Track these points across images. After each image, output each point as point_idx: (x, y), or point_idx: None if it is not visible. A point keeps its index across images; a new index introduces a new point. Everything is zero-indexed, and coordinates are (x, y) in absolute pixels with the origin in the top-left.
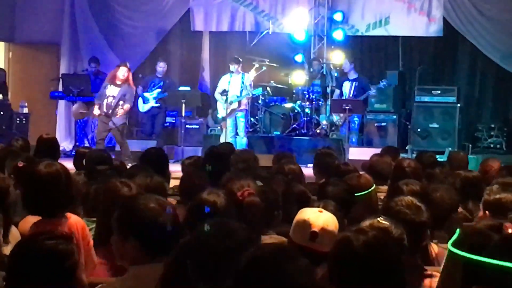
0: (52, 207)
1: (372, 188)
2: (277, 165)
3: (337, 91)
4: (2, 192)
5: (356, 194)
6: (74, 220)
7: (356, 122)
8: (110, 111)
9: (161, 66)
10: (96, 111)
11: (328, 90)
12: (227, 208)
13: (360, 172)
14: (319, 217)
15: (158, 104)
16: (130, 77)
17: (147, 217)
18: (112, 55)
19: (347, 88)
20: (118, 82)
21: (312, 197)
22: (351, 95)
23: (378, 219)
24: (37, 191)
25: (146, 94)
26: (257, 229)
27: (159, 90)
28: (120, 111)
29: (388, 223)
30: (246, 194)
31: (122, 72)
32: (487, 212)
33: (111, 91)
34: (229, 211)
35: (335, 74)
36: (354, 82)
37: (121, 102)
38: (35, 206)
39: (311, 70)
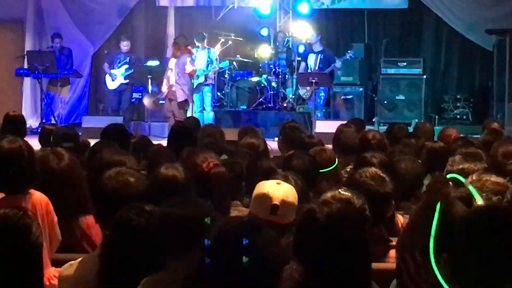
0: (15, 183)
1: (335, 164)
2: (243, 139)
3: (303, 64)
4: None
5: (323, 170)
6: (38, 197)
7: (322, 97)
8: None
9: (124, 45)
10: (163, 87)
11: (294, 63)
12: (187, 182)
13: (327, 146)
14: (278, 189)
15: (126, 81)
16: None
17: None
18: (76, 31)
19: (312, 60)
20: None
21: (278, 170)
22: (316, 68)
23: (340, 190)
24: None
25: (113, 71)
26: (224, 200)
27: (126, 66)
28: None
29: (349, 194)
30: (211, 165)
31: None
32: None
33: (171, 63)
34: (189, 184)
35: (303, 48)
36: (320, 55)
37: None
38: None
39: (277, 43)
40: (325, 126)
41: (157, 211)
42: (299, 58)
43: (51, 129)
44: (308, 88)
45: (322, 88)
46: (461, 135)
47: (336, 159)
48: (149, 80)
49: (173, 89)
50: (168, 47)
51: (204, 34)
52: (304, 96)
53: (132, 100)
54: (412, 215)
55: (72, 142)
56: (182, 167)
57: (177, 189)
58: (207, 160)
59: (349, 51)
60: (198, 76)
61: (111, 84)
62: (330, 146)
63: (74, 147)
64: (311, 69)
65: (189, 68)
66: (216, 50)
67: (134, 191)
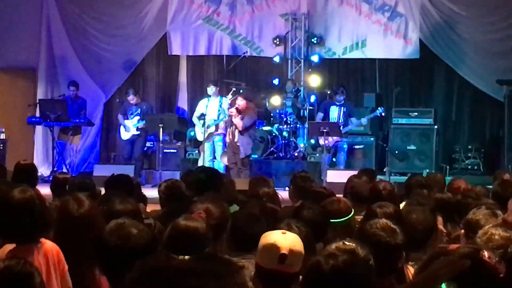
0: (26, 233)
1: (351, 214)
2: (253, 189)
3: (320, 114)
4: None
5: (334, 220)
6: (49, 246)
7: (345, 148)
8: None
9: (131, 99)
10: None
11: (306, 113)
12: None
13: (339, 196)
14: (285, 239)
15: (138, 132)
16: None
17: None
18: (88, 80)
19: (335, 112)
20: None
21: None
22: (340, 121)
23: (344, 241)
24: (10, 217)
25: (127, 123)
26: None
27: (138, 117)
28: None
29: (353, 245)
30: (196, 217)
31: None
32: (462, 231)
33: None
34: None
35: (314, 98)
36: (342, 107)
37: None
38: (8, 232)
39: (288, 93)
40: (336, 176)
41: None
42: (311, 107)
43: (63, 178)
44: (331, 139)
45: (346, 140)
46: (470, 186)
47: (352, 210)
48: (161, 129)
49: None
50: (180, 95)
51: (216, 83)
52: (327, 146)
53: (144, 149)
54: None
55: (88, 191)
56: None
57: (196, 240)
58: (197, 211)
59: (379, 108)
60: (209, 126)
61: (125, 135)
62: (340, 196)
63: (90, 196)
64: (333, 121)
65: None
66: (228, 99)
67: (137, 244)
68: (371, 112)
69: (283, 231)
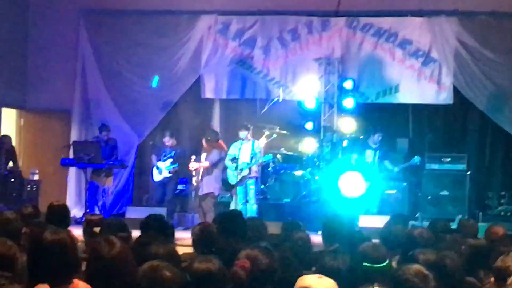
0: (58, 274)
1: (387, 261)
2: (285, 233)
3: (354, 156)
4: (8, 260)
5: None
6: (82, 287)
7: (377, 192)
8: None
9: (167, 141)
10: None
11: (338, 157)
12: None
13: (374, 241)
14: (320, 283)
15: (170, 174)
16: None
17: None
18: (122, 122)
19: (370, 156)
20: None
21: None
22: (374, 165)
23: (374, 285)
24: (43, 258)
25: (159, 164)
26: None
27: (171, 160)
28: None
29: None
30: (239, 265)
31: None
32: (492, 278)
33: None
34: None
35: (347, 142)
36: (377, 151)
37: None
38: (40, 273)
39: (321, 137)
40: (368, 221)
41: None
42: (344, 151)
43: (94, 219)
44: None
45: (378, 185)
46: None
47: (389, 257)
48: (194, 172)
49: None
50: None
51: (249, 126)
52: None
53: (176, 192)
54: None
55: (124, 232)
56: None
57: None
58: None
59: (415, 157)
60: (242, 169)
61: (157, 177)
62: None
63: (125, 237)
64: (368, 164)
65: (204, 163)
66: (261, 142)
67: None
68: (404, 157)
69: (319, 275)
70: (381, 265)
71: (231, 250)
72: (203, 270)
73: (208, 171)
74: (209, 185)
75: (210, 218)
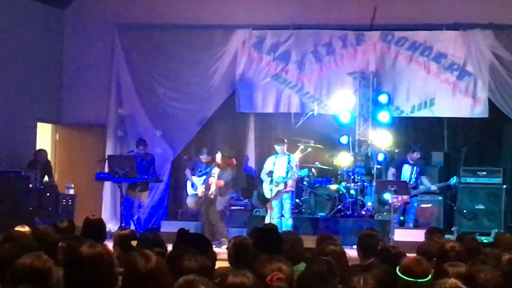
0: None
1: (429, 277)
2: (320, 247)
3: (392, 170)
4: (43, 274)
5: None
6: None
7: (415, 205)
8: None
9: (204, 158)
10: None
11: (373, 171)
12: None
13: (410, 255)
14: None
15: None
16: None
17: None
18: (157, 137)
19: (408, 171)
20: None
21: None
22: (411, 181)
23: None
24: (78, 273)
25: (194, 179)
26: None
27: (205, 176)
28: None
29: None
30: (274, 278)
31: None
32: None
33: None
34: None
35: (382, 156)
36: (415, 167)
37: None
38: (77, 287)
39: (356, 151)
40: (404, 235)
41: None
42: (379, 166)
43: (124, 234)
44: (401, 197)
45: (415, 199)
46: None
47: (431, 272)
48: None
49: (212, 196)
50: (250, 151)
51: (284, 140)
52: (395, 204)
53: None
54: None
55: (160, 247)
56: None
57: None
58: (273, 272)
59: (454, 177)
60: (278, 183)
61: (191, 191)
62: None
63: (161, 252)
64: (405, 179)
65: (219, 182)
66: (296, 156)
67: None
68: (439, 171)
69: None
70: (425, 280)
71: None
72: (237, 284)
73: (221, 190)
74: (221, 204)
75: (222, 229)
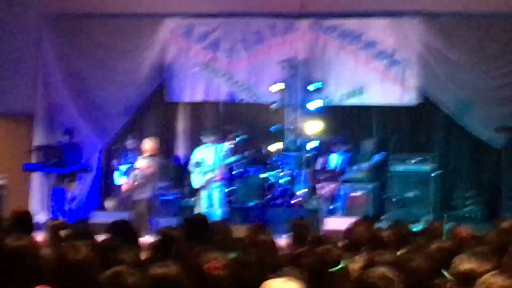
0: (20, 280)
1: (345, 264)
2: (250, 236)
3: (320, 160)
4: None
5: (330, 270)
6: None
7: (343, 194)
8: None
9: (129, 143)
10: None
11: (303, 160)
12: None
13: (338, 243)
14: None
15: None
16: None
17: None
18: (85, 126)
19: (335, 160)
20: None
21: (285, 268)
22: (339, 167)
23: None
24: (3, 265)
25: (122, 168)
26: None
27: (130, 165)
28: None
29: None
30: (214, 267)
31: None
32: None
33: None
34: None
35: (312, 145)
36: (342, 155)
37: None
38: (2, 280)
39: (286, 140)
40: (334, 223)
41: None
42: (309, 155)
43: (57, 225)
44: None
45: (344, 187)
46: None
47: (346, 259)
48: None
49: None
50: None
51: (213, 130)
52: (325, 193)
53: None
54: None
55: (89, 238)
56: (184, 264)
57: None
58: (211, 262)
59: (377, 154)
60: (206, 173)
61: (119, 180)
62: (339, 244)
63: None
64: (333, 167)
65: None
66: (225, 146)
67: None
68: (369, 159)
69: (283, 279)
70: (337, 268)
71: (195, 254)
72: (159, 275)
73: (148, 177)
74: (145, 191)
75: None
